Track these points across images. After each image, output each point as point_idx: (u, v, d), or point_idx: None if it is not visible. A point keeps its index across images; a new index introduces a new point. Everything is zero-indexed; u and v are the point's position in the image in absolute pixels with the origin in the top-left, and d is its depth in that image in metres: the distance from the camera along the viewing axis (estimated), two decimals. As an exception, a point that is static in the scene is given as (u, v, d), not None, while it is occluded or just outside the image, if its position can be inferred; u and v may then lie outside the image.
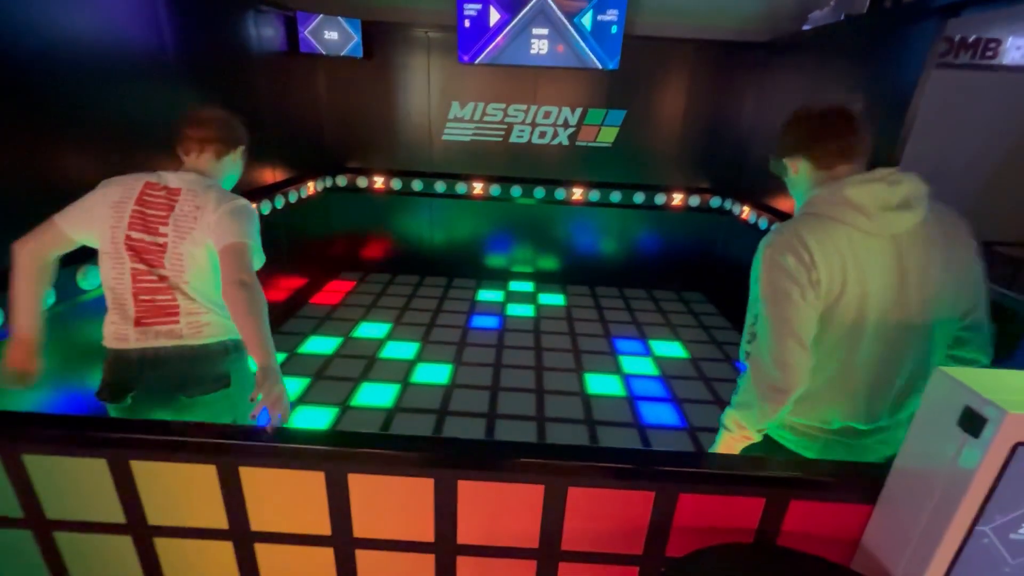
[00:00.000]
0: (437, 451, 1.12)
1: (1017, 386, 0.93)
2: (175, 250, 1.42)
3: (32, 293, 1.43)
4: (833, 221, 1.15)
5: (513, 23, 4.04)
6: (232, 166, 1.61)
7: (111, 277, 1.45)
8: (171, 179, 1.49)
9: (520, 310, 4.36)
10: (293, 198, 3.92)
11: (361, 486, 1.13)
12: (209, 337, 1.49)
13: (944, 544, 0.95)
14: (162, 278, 1.43)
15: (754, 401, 1.23)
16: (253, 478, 1.12)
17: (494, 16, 4.02)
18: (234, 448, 1.09)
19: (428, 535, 1.18)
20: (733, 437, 1.29)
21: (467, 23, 4.04)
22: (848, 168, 1.21)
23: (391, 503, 1.15)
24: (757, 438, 1.29)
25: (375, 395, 3.05)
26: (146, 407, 1.50)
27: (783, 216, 3.55)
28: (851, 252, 1.13)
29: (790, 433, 1.35)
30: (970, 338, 1.27)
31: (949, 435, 0.94)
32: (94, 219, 1.43)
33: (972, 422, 0.89)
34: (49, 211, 1.45)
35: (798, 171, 1.29)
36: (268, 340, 1.34)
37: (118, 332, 1.47)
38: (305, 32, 3.94)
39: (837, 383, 1.23)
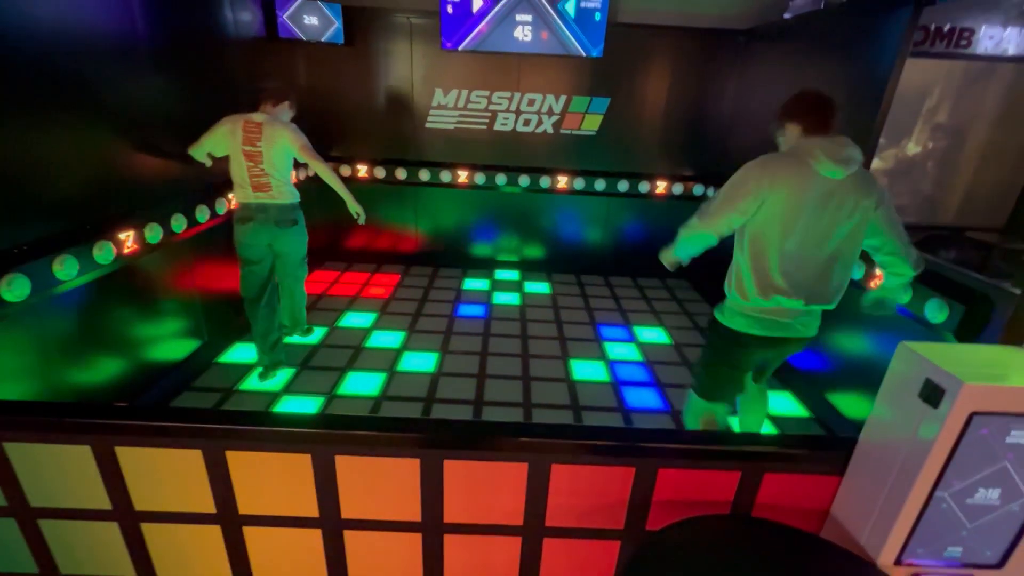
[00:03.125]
0: (423, 431, 1.14)
1: (975, 360, 0.98)
2: (267, 155, 2.65)
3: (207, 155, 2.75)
4: (797, 159, 1.66)
5: (496, 9, 4.01)
6: (285, 111, 2.80)
7: (235, 171, 2.69)
8: (256, 117, 2.67)
9: (506, 298, 4.38)
10: (275, 187, 3.87)
11: (348, 467, 1.14)
12: (286, 199, 2.81)
13: (905, 510, 1.00)
14: (262, 171, 2.68)
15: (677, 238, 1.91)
16: (240, 462, 1.13)
17: (477, 2, 3.98)
18: (220, 432, 1.10)
19: (415, 514, 1.20)
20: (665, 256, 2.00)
21: (450, 9, 4.00)
22: (820, 136, 1.67)
23: (378, 484, 1.17)
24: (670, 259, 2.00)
25: (361, 384, 3.06)
26: (257, 231, 2.77)
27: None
28: (796, 182, 1.63)
29: (742, 318, 1.84)
30: (890, 262, 1.80)
31: (911, 407, 0.98)
32: (218, 141, 2.66)
33: (932, 393, 0.94)
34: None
35: (788, 133, 1.79)
36: (342, 185, 2.85)
37: (244, 195, 2.73)
38: (283, 17, 3.86)
39: (774, 271, 1.72)
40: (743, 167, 1.73)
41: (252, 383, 3.01)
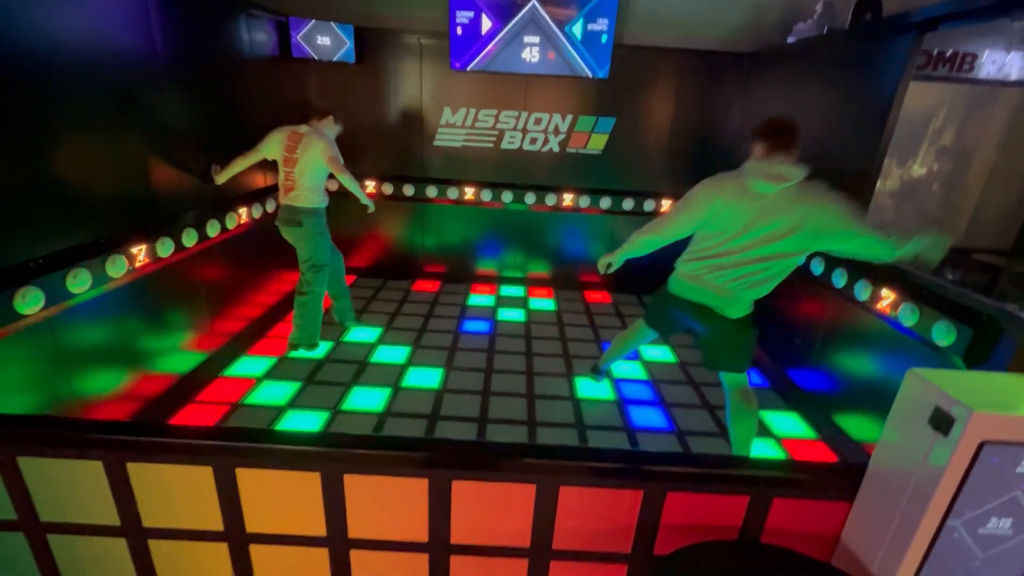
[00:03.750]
0: (431, 452, 1.14)
1: (984, 387, 0.98)
2: (301, 161, 3.03)
3: (241, 164, 3.12)
4: (737, 178, 2.05)
5: (505, 31, 4.09)
6: (329, 125, 3.20)
7: (281, 176, 3.14)
8: (301, 128, 3.09)
9: (511, 314, 4.39)
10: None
11: (356, 487, 1.15)
12: (302, 202, 3.15)
13: (917, 539, 1.00)
14: (293, 175, 3.08)
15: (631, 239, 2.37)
16: (249, 480, 1.14)
17: (486, 24, 4.07)
18: (231, 449, 1.11)
19: (422, 535, 1.20)
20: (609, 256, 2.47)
21: (459, 30, 4.08)
22: (779, 158, 1.99)
23: (386, 504, 1.17)
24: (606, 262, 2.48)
25: (366, 399, 3.06)
26: (282, 230, 3.23)
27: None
28: (732, 196, 2.02)
29: (678, 283, 2.30)
30: (868, 252, 1.95)
31: (921, 434, 0.98)
32: (272, 146, 3.10)
33: (942, 421, 0.94)
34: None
35: (755, 150, 2.09)
36: (355, 183, 3.15)
37: (280, 197, 3.17)
38: (297, 37, 3.95)
39: (705, 252, 2.17)
40: (698, 184, 2.17)
41: (256, 397, 3.01)
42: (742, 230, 2.02)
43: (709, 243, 2.14)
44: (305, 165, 3.04)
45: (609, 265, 2.48)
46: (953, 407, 0.92)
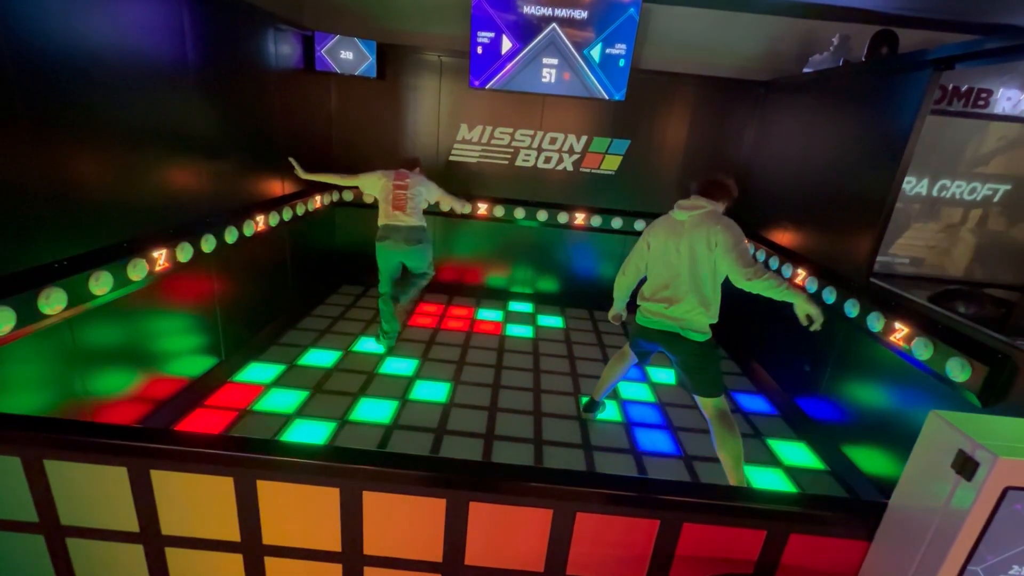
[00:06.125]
0: (451, 472, 1.15)
1: (1007, 432, 0.98)
2: (409, 196, 3.65)
3: (331, 179, 3.89)
4: (670, 213, 2.54)
5: (524, 52, 4.17)
6: (426, 180, 3.80)
7: (382, 209, 3.69)
8: (404, 173, 3.73)
9: (519, 331, 4.40)
10: (300, 211, 3.98)
11: (374, 504, 1.15)
12: (422, 222, 3.75)
13: (938, 582, 0.99)
14: (406, 201, 3.65)
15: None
16: (269, 491, 1.15)
17: (506, 44, 4.15)
18: (253, 461, 1.12)
19: (437, 555, 1.20)
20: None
21: (480, 50, 4.16)
22: (695, 197, 2.49)
23: (402, 522, 1.18)
24: (614, 314, 2.88)
25: (373, 411, 3.06)
26: (389, 249, 3.68)
27: (779, 249, 3.65)
28: (663, 228, 2.51)
29: (641, 316, 2.61)
30: (758, 291, 2.30)
31: (943, 476, 0.98)
32: (373, 184, 3.73)
33: (965, 465, 0.94)
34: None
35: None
36: (453, 199, 3.94)
37: (387, 220, 3.66)
38: (321, 51, 4.04)
39: (653, 287, 2.54)
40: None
41: (265, 404, 3.03)
42: (675, 252, 2.43)
43: (657, 272, 2.53)
44: (415, 198, 3.69)
45: (618, 316, 2.85)
46: (977, 451, 0.92)
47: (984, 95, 3.80)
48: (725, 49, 4.32)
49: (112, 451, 1.10)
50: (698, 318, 2.42)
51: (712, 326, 2.50)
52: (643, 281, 2.66)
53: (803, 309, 2.29)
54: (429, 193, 3.79)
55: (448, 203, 3.93)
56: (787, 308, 2.37)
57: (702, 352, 2.44)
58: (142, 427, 1.49)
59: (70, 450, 1.11)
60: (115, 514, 1.17)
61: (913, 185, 3.83)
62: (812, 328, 2.32)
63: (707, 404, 2.46)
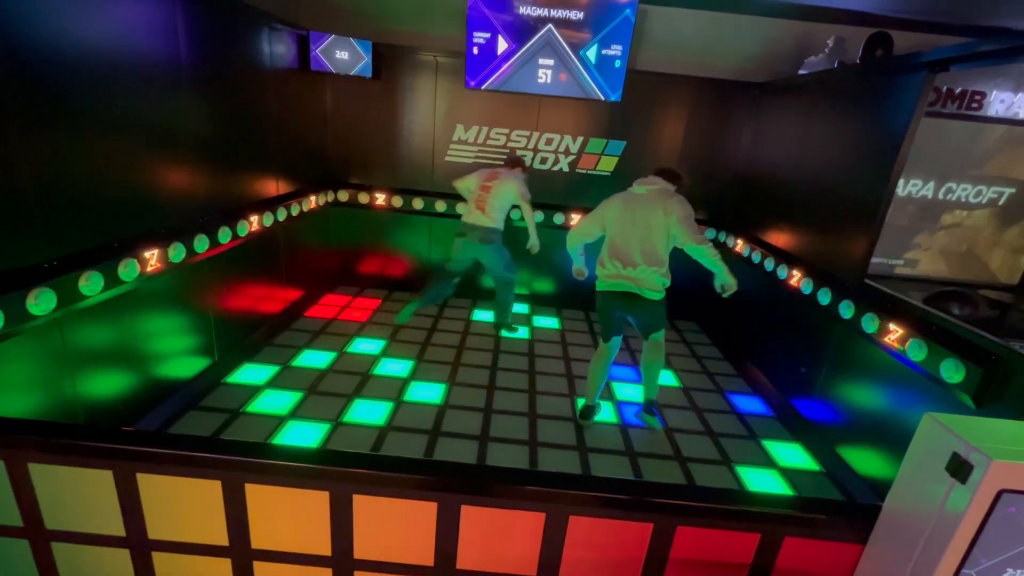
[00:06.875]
0: (443, 476, 1.14)
1: (1002, 434, 0.98)
2: (492, 192, 3.81)
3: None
4: (631, 188, 2.93)
5: (520, 53, 4.16)
6: (518, 173, 4.03)
7: (469, 206, 3.91)
8: (498, 170, 3.98)
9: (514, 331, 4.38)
10: (295, 211, 3.95)
11: (365, 507, 1.14)
12: (497, 224, 3.87)
13: (932, 586, 0.98)
14: (486, 202, 3.81)
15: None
16: (258, 495, 1.13)
17: (502, 45, 4.14)
18: (242, 464, 1.10)
19: (427, 559, 1.19)
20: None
21: (476, 50, 4.15)
22: (652, 176, 2.94)
23: (392, 525, 1.16)
24: (575, 260, 3.16)
25: (368, 412, 3.04)
26: (464, 246, 3.90)
27: (774, 250, 3.65)
28: (620, 200, 2.88)
29: (601, 283, 2.92)
30: (695, 256, 2.83)
31: (937, 479, 0.98)
32: (470, 184, 3.98)
33: (959, 468, 0.93)
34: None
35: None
36: (533, 222, 4.03)
37: (466, 218, 3.89)
38: (316, 51, 4.02)
39: (611, 252, 2.86)
40: None
41: (257, 406, 3.00)
42: (630, 221, 2.79)
43: (615, 238, 2.84)
44: (498, 195, 3.82)
45: (580, 271, 3.14)
46: (971, 454, 0.92)
47: (978, 97, 3.81)
48: (721, 50, 4.33)
49: (97, 454, 1.09)
50: (653, 278, 2.78)
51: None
52: (601, 254, 2.94)
53: (722, 279, 2.84)
54: (512, 195, 3.86)
55: (525, 211, 3.97)
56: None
57: (658, 308, 2.88)
58: (128, 430, 1.47)
59: (55, 453, 1.09)
60: (101, 518, 1.15)
61: (919, 187, 3.84)
62: (724, 296, 2.90)
63: (654, 336, 2.99)
